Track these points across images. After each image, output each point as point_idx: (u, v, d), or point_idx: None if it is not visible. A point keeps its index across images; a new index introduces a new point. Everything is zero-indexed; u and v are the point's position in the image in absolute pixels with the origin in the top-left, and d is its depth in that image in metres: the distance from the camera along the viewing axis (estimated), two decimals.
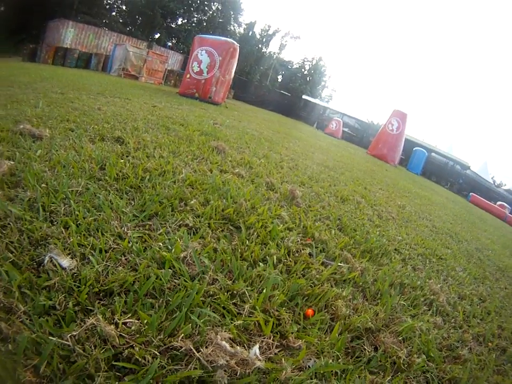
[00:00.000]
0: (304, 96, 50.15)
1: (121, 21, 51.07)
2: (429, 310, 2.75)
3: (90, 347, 1.35)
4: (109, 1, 51.55)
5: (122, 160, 3.39)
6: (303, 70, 65.63)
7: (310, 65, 65.58)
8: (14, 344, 1.27)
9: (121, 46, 27.33)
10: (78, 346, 1.33)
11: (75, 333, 1.36)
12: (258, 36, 61.87)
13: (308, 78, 64.50)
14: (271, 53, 64.12)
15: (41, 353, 1.26)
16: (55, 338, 1.32)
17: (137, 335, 1.47)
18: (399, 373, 1.90)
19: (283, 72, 67.55)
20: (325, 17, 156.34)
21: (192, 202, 2.88)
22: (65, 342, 1.33)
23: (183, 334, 1.52)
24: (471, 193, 27.29)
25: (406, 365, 1.95)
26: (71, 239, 1.94)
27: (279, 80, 67.29)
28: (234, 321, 1.74)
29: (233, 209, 2.97)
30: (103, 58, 29.06)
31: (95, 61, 28.56)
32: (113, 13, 52.02)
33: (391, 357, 1.97)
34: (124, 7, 52.87)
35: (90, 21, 39.08)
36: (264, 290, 2.02)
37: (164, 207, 2.67)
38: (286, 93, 50.59)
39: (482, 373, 2.14)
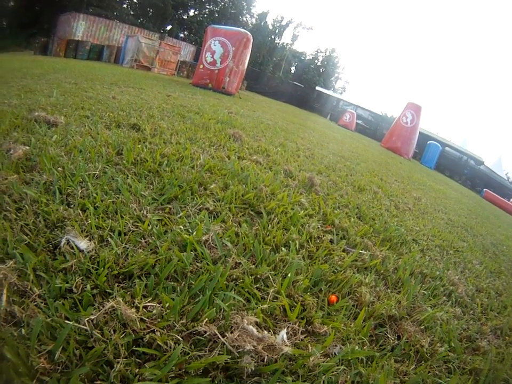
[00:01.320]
0: (317, 88, 50.09)
1: (132, 13, 51.19)
2: (448, 300, 2.73)
3: (109, 332, 1.31)
4: None
5: (139, 146, 3.37)
6: (316, 61, 65.55)
7: (323, 57, 65.53)
8: (27, 329, 1.23)
9: (133, 37, 27.38)
10: (96, 331, 1.29)
11: (93, 317, 1.33)
12: (270, 27, 61.84)
13: (321, 69, 64.42)
14: (284, 44, 64.11)
15: (57, 338, 1.22)
16: (71, 323, 1.28)
17: (159, 320, 1.43)
18: (423, 362, 1.87)
19: (296, 64, 67.46)
20: (338, 7, 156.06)
21: (212, 186, 2.86)
22: (82, 327, 1.29)
23: (207, 318, 1.48)
24: (484, 189, 27.01)
25: (429, 354, 1.93)
26: (89, 221, 1.92)
27: (292, 71, 67.21)
28: (259, 305, 1.69)
29: (254, 194, 2.94)
30: (115, 50, 29.07)
31: (107, 53, 28.59)
32: (124, 5, 52.09)
33: (414, 346, 1.95)
34: None
35: (101, 13, 39.28)
36: (289, 275, 1.98)
37: (184, 190, 2.64)
38: (299, 84, 50.43)
39: (502, 365, 2.10)
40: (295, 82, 50.97)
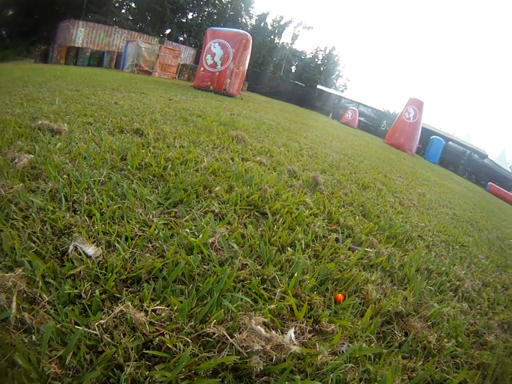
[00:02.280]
0: (318, 86, 49.91)
1: (131, 18, 51.26)
2: (455, 295, 2.73)
3: (119, 335, 1.32)
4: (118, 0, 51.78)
5: (143, 150, 3.39)
6: (316, 59, 65.60)
7: (323, 55, 65.54)
8: (38, 335, 1.25)
9: (133, 42, 27.38)
10: (106, 335, 1.31)
11: (103, 322, 1.34)
12: (270, 27, 61.89)
13: (321, 67, 64.48)
14: (284, 43, 64.11)
15: (67, 344, 1.23)
16: (81, 328, 1.29)
17: (168, 322, 1.45)
18: (430, 358, 1.88)
19: (296, 63, 67.50)
20: (338, 5, 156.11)
21: (216, 189, 2.88)
22: (92, 331, 1.31)
23: (215, 320, 1.49)
24: (489, 183, 26.81)
25: (436, 350, 1.94)
26: (96, 227, 1.94)
27: (293, 70, 67.20)
28: (266, 305, 1.71)
29: (258, 195, 2.95)
30: (116, 56, 29.04)
31: (107, 59, 28.59)
32: (123, 11, 52.15)
33: (421, 342, 1.96)
34: (133, 4, 53.00)
35: (100, 19, 39.28)
36: (296, 275, 2.00)
37: (189, 194, 2.66)
38: (300, 83, 50.19)
39: (510, 359, 2.11)
40: (296, 82, 50.75)
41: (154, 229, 2.07)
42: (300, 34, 65.99)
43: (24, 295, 1.40)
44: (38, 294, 1.42)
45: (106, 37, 33.52)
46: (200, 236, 2.09)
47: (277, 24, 62.11)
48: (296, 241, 2.45)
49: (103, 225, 1.98)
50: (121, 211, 2.17)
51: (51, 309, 1.37)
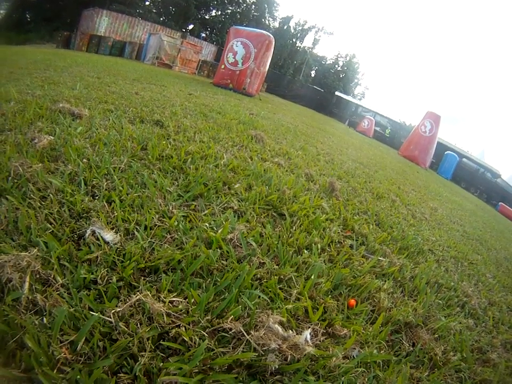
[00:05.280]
0: (337, 93, 49.68)
1: (154, 11, 51.12)
2: (462, 311, 2.73)
3: (136, 325, 1.31)
4: None
5: (164, 142, 3.40)
6: (336, 66, 65.34)
7: (344, 62, 65.33)
8: (49, 318, 1.24)
9: (156, 35, 27.37)
10: (121, 323, 1.29)
11: (119, 309, 1.33)
12: (292, 30, 61.66)
13: (341, 74, 64.19)
14: (305, 47, 63.90)
15: (80, 329, 1.22)
16: (96, 314, 1.28)
17: (184, 315, 1.44)
18: (436, 369, 1.89)
19: (316, 68, 67.21)
20: (360, 13, 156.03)
21: (236, 186, 2.89)
22: (107, 318, 1.29)
23: (232, 316, 1.49)
24: (500, 203, 26.58)
25: (442, 362, 1.95)
26: (115, 214, 1.94)
27: (312, 75, 66.93)
28: (283, 305, 1.71)
29: (277, 196, 2.96)
30: (137, 47, 29.06)
31: (129, 49, 28.62)
32: (147, 3, 52.14)
33: (428, 353, 1.97)
34: None
35: (124, 10, 39.30)
36: (312, 277, 2.00)
37: (208, 189, 2.67)
38: (319, 89, 49.91)
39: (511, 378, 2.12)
40: (314, 86, 50.59)
41: (175, 221, 2.07)
42: (320, 39, 65.74)
43: (38, 276, 1.40)
44: (52, 276, 1.41)
45: (129, 27, 33.60)
46: (220, 231, 2.10)
47: (300, 28, 62.00)
48: (312, 244, 2.45)
49: (122, 212, 1.98)
50: (141, 200, 2.18)
51: (65, 292, 1.37)
